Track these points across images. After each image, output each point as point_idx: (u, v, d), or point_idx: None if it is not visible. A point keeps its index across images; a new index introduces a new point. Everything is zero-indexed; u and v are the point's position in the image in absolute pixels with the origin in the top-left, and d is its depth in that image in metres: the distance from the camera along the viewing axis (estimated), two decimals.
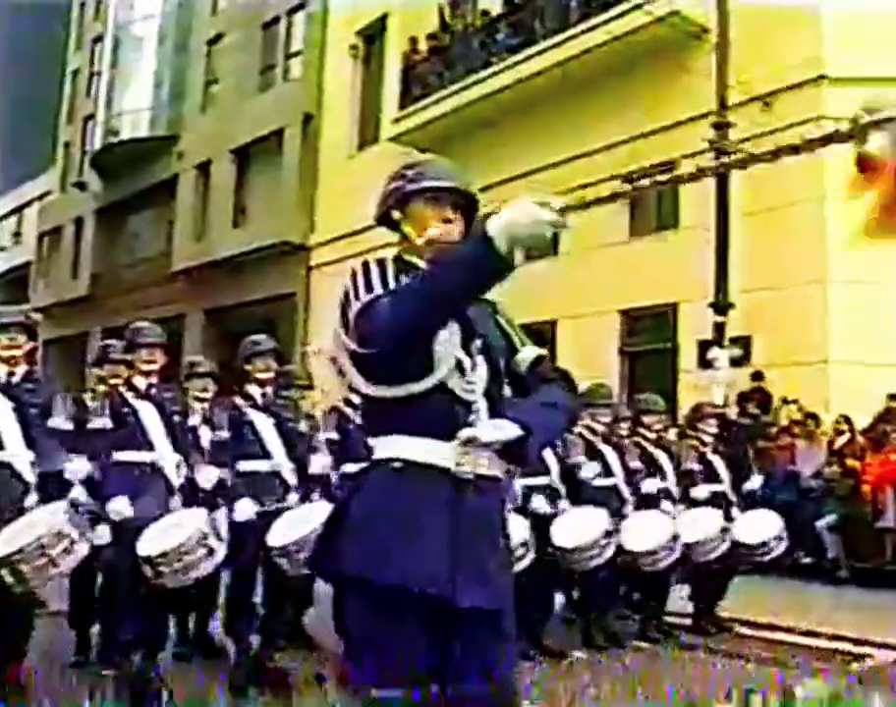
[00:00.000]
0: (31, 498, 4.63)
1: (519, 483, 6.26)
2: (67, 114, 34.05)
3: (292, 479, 5.51)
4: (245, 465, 5.43)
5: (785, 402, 11.86)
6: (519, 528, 5.66)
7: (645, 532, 6.50)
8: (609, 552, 6.22)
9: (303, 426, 5.89)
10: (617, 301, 14.60)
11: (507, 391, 2.48)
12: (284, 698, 5.06)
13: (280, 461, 5.50)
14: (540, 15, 15.45)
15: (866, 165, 1.93)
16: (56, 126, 34.70)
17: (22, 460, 4.68)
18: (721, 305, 11.97)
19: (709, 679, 5.73)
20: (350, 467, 5.62)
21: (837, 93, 12.33)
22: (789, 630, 7.05)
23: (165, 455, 5.11)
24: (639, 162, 14.42)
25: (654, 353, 14.59)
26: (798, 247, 12.20)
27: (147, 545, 4.74)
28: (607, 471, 6.86)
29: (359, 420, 5.90)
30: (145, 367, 5.17)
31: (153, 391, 5.20)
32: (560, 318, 14.94)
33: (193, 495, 5.18)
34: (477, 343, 2.38)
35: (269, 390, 5.61)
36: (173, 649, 5.82)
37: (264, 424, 5.51)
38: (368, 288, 2.31)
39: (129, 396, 5.15)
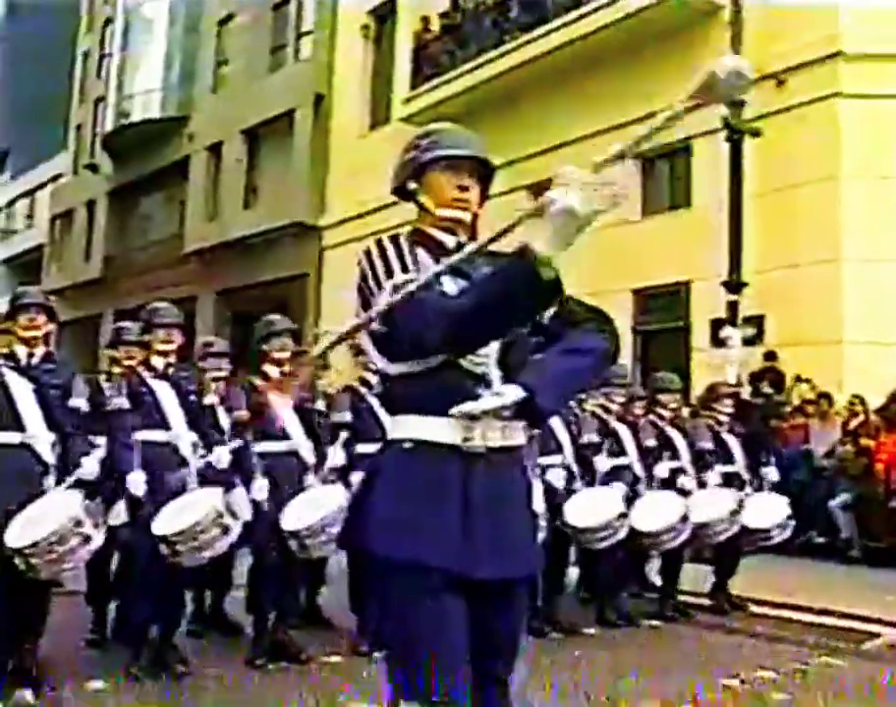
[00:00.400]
0: (51, 479, 4.66)
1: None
2: (78, 96, 34.05)
3: (309, 459, 5.54)
4: (263, 445, 5.47)
5: (798, 380, 11.82)
6: (535, 500, 5.69)
7: (655, 513, 6.50)
8: (622, 533, 6.24)
9: (319, 405, 5.91)
10: (629, 281, 14.55)
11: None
12: (298, 675, 5.11)
13: (298, 440, 5.53)
14: None
15: None
16: (67, 108, 34.72)
17: (42, 441, 4.71)
18: (734, 284, 11.91)
19: (723, 657, 5.76)
20: (363, 448, 5.64)
21: (853, 70, 12.23)
22: (802, 609, 7.05)
23: (182, 434, 5.14)
24: (653, 140, 14.38)
25: (667, 332, 14.54)
26: (811, 226, 12.12)
27: (164, 524, 4.78)
28: (621, 451, 6.88)
29: (373, 400, 5.92)
30: (163, 347, 5.19)
31: (170, 371, 5.22)
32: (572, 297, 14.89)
33: (209, 474, 5.20)
34: None
35: (287, 369, 5.62)
36: (188, 626, 5.86)
37: (282, 404, 5.52)
38: (388, 272, 2.29)
39: (146, 376, 5.17)
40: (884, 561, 9.32)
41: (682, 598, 7.17)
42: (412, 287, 2.19)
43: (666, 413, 7.25)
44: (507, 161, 14.37)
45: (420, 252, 2.37)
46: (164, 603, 5.10)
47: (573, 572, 7.08)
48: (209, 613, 6.30)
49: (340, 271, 18.72)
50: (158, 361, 5.20)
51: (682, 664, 5.54)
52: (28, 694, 4.50)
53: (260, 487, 5.28)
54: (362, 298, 2.34)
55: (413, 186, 2.46)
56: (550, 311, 2.39)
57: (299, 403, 5.57)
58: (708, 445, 7.26)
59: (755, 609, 7.20)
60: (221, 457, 5.28)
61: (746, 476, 7.39)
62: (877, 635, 6.35)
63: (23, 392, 4.73)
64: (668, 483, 6.94)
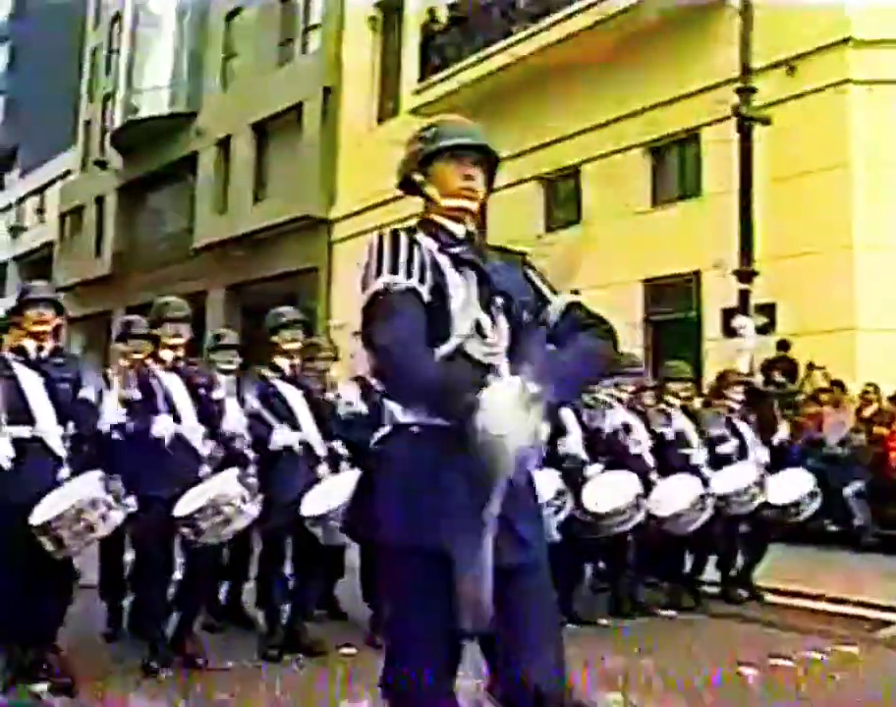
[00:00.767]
0: (64, 471, 4.67)
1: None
2: (87, 93, 34.12)
3: (321, 450, 5.54)
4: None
5: (811, 368, 11.78)
6: (552, 480, 5.70)
7: (673, 496, 6.47)
8: (639, 517, 6.21)
9: (330, 397, 5.91)
10: (640, 271, 14.53)
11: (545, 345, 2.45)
12: (315, 667, 5.11)
13: (309, 431, 5.53)
14: None
15: None
16: (76, 105, 34.80)
17: (53, 434, 4.72)
18: (746, 273, 11.87)
19: (738, 646, 5.74)
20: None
21: (863, 56, 12.16)
22: (816, 598, 7.04)
23: (192, 426, 5.14)
24: (662, 130, 14.33)
25: (678, 321, 14.52)
26: (823, 213, 12.07)
27: (185, 506, 4.80)
28: (633, 440, 6.86)
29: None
30: (172, 341, 5.19)
31: (180, 364, 5.23)
32: (584, 288, 14.81)
33: (220, 465, 5.22)
34: (498, 301, 2.37)
35: (297, 361, 5.63)
36: (204, 619, 5.88)
37: (293, 396, 5.53)
38: (379, 269, 2.32)
39: (155, 368, 5.18)
40: None
41: (696, 587, 7.14)
42: (395, 288, 2.26)
43: (676, 402, 7.22)
44: (515, 152, 14.35)
45: (425, 243, 2.37)
46: (184, 592, 5.12)
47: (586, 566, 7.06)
48: (226, 605, 6.30)
49: (350, 264, 18.72)
50: (167, 355, 5.21)
51: (696, 653, 5.52)
52: (44, 688, 4.53)
53: (283, 435, 5.35)
54: (363, 289, 2.36)
55: (418, 177, 2.47)
56: (557, 313, 2.44)
57: (310, 394, 5.58)
58: (721, 431, 7.24)
59: (769, 597, 7.17)
60: (237, 419, 5.32)
61: (760, 461, 7.34)
62: (892, 623, 6.32)
63: (33, 386, 4.74)
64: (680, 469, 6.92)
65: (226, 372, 6.07)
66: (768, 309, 12.21)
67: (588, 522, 6.17)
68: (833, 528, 10.21)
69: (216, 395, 5.37)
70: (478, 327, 2.32)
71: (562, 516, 5.72)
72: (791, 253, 12.15)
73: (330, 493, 5.16)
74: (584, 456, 6.50)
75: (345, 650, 5.39)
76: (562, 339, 2.43)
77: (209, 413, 5.22)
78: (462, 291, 2.33)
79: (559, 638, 2.41)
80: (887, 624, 6.32)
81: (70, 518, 4.38)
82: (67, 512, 4.38)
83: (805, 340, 11.86)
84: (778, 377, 11.78)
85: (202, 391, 5.24)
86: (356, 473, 5.30)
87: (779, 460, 7.42)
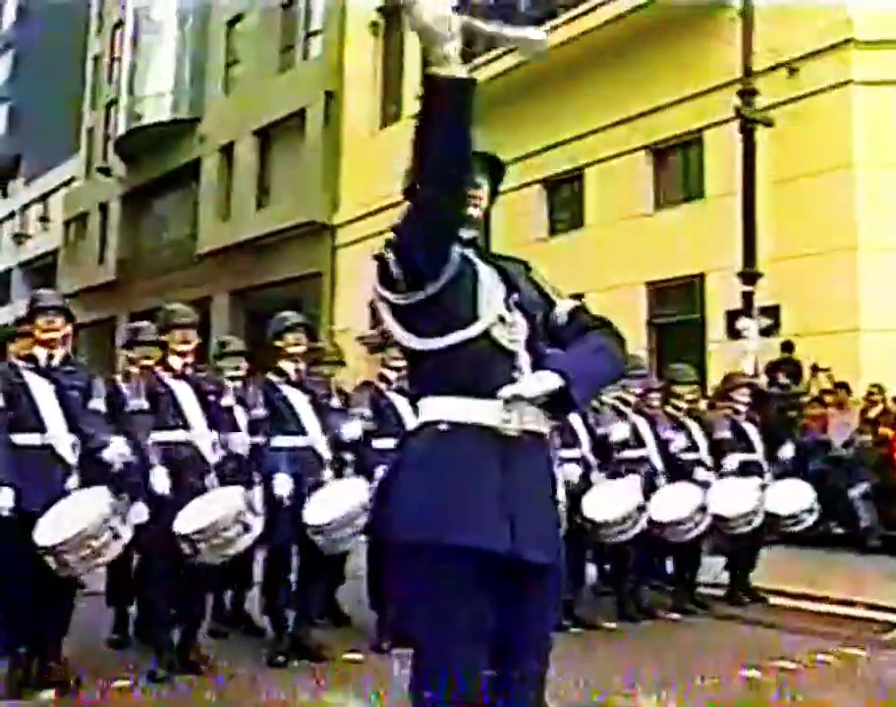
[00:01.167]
0: (73, 480, 4.69)
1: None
2: (90, 100, 34.20)
3: (326, 454, 5.54)
4: (280, 441, 5.48)
5: (815, 369, 11.77)
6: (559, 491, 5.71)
7: (673, 503, 6.49)
8: (640, 526, 6.22)
9: (335, 402, 5.91)
10: (644, 273, 14.51)
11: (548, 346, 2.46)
12: (320, 673, 5.12)
13: (315, 436, 5.54)
14: None
15: None
16: (79, 112, 34.88)
17: (63, 442, 4.74)
18: (749, 275, 11.86)
19: (742, 648, 5.74)
20: (383, 443, 5.62)
21: (865, 57, 12.15)
22: (821, 600, 7.03)
23: (201, 434, 5.15)
24: (664, 132, 14.33)
25: (682, 324, 14.51)
26: (826, 215, 12.06)
27: (185, 523, 4.79)
28: (639, 442, 6.87)
29: (392, 396, 5.90)
30: (181, 348, 5.20)
31: (188, 371, 5.24)
32: (587, 292, 14.87)
33: (229, 473, 5.22)
34: (515, 297, 2.39)
35: (302, 365, 5.64)
36: (210, 626, 5.89)
37: (299, 400, 5.54)
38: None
39: (164, 376, 5.19)
40: None
41: (700, 590, 7.14)
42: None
43: (682, 404, 7.23)
44: (519, 155, 14.35)
45: None
46: (186, 603, 5.12)
47: (591, 567, 7.06)
48: (230, 612, 6.31)
49: (353, 269, 18.75)
50: (176, 362, 5.22)
51: (701, 656, 5.52)
52: (51, 694, 4.54)
53: (282, 483, 5.29)
54: (381, 271, 2.35)
55: None
56: (564, 317, 2.46)
57: (315, 398, 5.59)
58: (727, 434, 7.25)
59: (774, 600, 7.17)
60: (242, 440, 5.31)
61: (764, 465, 7.36)
62: None
63: (43, 393, 4.76)
64: (686, 471, 6.92)
65: (233, 379, 6.09)
66: (772, 311, 12.19)
67: (585, 529, 6.19)
68: (838, 530, 10.19)
69: (225, 402, 5.38)
70: (500, 316, 2.34)
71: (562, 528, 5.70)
72: (794, 255, 12.14)
73: (332, 501, 5.16)
74: (591, 459, 6.52)
75: (350, 655, 5.40)
76: (570, 342, 2.44)
77: (218, 421, 5.23)
78: (489, 279, 2.36)
79: (548, 655, 2.39)
80: (893, 625, 6.31)
81: (76, 544, 4.35)
82: (73, 538, 4.34)
83: (809, 341, 11.84)
84: (782, 379, 11.76)
85: (211, 398, 5.25)
86: (361, 481, 5.35)
87: (783, 470, 7.44)
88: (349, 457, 5.79)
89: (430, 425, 2.30)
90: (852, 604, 6.85)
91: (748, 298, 11.86)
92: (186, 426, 5.12)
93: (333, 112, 21.93)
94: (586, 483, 6.35)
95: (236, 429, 5.45)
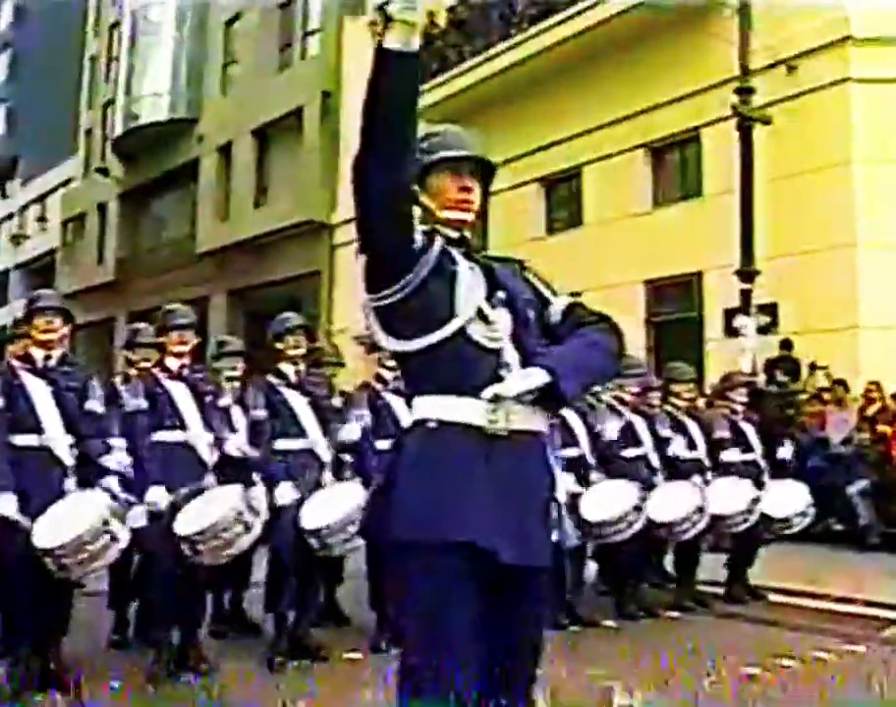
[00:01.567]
0: (70, 481, 4.69)
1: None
2: (87, 101, 34.17)
3: (326, 456, 5.55)
4: (280, 444, 5.49)
5: (812, 368, 11.78)
6: (566, 484, 5.72)
7: (671, 503, 6.49)
8: (637, 526, 6.21)
9: (336, 402, 5.91)
10: (642, 272, 14.52)
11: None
12: (321, 672, 5.12)
13: (315, 438, 5.55)
14: None
15: None
16: (76, 113, 34.85)
17: (60, 443, 4.74)
18: (747, 273, 11.86)
19: (742, 646, 5.74)
20: (382, 444, 5.62)
21: (863, 54, 12.16)
22: (821, 597, 7.03)
23: (198, 434, 5.15)
24: (662, 130, 14.33)
25: (680, 322, 14.52)
26: (824, 212, 12.07)
27: (184, 525, 4.79)
28: (636, 441, 6.87)
29: (389, 397, 5.91)
30: (177, 349, 5.20)
31: (185, 372, 5.24)
32: (585, 290, 14.85)
33: (227, 473, 5.22)
34: (500, 295, 2.37)
35: (302, 367, 5.64)
36: (209, 627, 5.88)
37: (298, 402, 5.55)
38: None
39: (161, 377, 5.19)
40: None
41: (700, 588, 7.15)
42: None
43: (680, 403, 7.24)
44: (517, 154, 14.37)
45: (437, 238, 2.40)
46: (185, 604, 5.12)
47: (591, 565, 7.06)
48: (229, 612, 6.32)
49: (352, 268, 18.60)
50: (173, 363, 5.22)
51: (701, 654, 5.52)
52: (52, 696, 4.53)
53: (283, 493, 5.30)
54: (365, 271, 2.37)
55: (414, 187, 2.46)
56: (559, 314, 2.45)
57: (315, 400, 5.59)
58: (725, 433, 7.25)
59: (773, 597, 7.18)
60: (237, 442, 5.31)
61: (762, 464, 7.37)
62: None
63: (41, 394, 4.75)
64: (684, 470, 6.93)
65: (231, 379, 6.09)
66: (770, 309, 12.20)
67: (583, 529, 6.19)
68: (838, 527, 10.20)
69: (222, 403, 5.38)
70: (480, 313, 2.33)
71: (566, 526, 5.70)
72: (792, 252, 12.15)
73: (329, 504, 5.16)
74: (591, 460, 6.52)
75: (350, 655, 5.41)
76: (565, 338, 2.43)
77: (212, 421, 5.23)
78: (469, 277, 2.35)
79: (537, 656, 2.39)
80: (893, 622, 6.31)
81: (73, 548, 4.34)
82: (70, 543, 4.33)
83: (807, 339, 11.85)
84: (781, 376, 11.77)
85: (209, 398, 5.25)
86: (357, 485, 5.35)
87: (781, 471, 7.45)
88: (348, 458, 5.79)
89: (421, 424, 2.31)
90: (852, 601, 6.85)
91: (746, 295, 11.87)
92: (183, 427, 5.12)
93: (331, 111, 21.92)
94: (584, 483, 6.36)
95: (232, 430, 5.46)
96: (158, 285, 25.28)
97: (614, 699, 4.53)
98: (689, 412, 7.33)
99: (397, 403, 5.75)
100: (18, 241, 39.78)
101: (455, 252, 2.39)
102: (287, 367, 5.58)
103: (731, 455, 7.16)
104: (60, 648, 4.79)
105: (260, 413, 5.48)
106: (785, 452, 7.56)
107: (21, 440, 4.68)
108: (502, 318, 2.35)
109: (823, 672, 5.16)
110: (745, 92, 11.94)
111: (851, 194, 12.05)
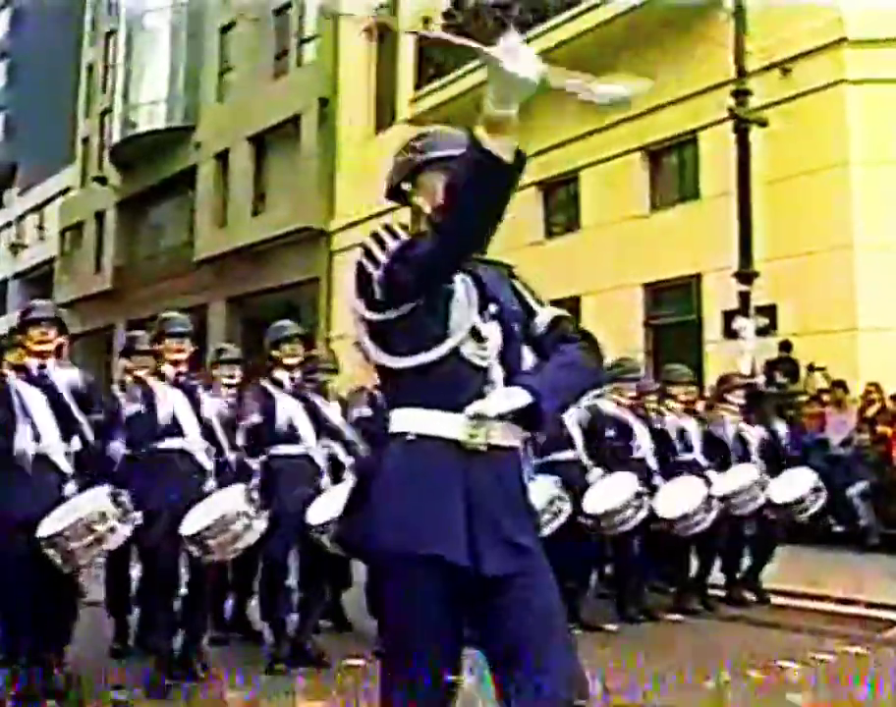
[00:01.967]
0: (70, 487, 4.69)
1: (546, 458, 6.30)
2: (84, 109, 34.21)
3: (322, 462, 5.55)
4: (276, 450, 5.48)
5: (811, 369, 11.78)
6: (548, 487, 5.72)
7: (679, 498, 6.48)
8: (641, 514, 6.21)
9: (334, 408, 5.92)
10: (640, 274, 14.52)
11: (529, 356, 2.46)
12: (322, 679, 5.11)
13: (311, 444, 5.55)
14: None
15: None
16: (74, 121, 34.87)
17: (58, 451, 4.74)
18: (745, 275, 11.86)
19: (745, 648, 5.74)
20: None
21: (858, 56, 12.17)
22: (822, 599, 7.03)
23: (196, 441, 5.15)
24: (659, 133, 14.34)
25: (679, 325, 14.52)
26: (823, 213, 12.08)
27: (192, 524, 4.81)
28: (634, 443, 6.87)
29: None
30: (174, 357, 5.20)
31: (182, 379, 5.23)
32: (583, 294, 14.89)
33: (225, 478, 5.22)
34: (491, 309, 2.36)
35: (298, 374, 5.65)
36: (211, 633, 5.87)
37: (294, 408, 5.55)
38: (383, 249, 2.31)
39: (158, 385, 5.19)
40: None
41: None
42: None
43: (678, 405, 7.23)
44: None
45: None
46: (188, 611, 5.12)
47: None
48: (232, 619, 6.31)
49: (350, 274, 18.73)
50: (169, 370, 5.22)
51: (704, 656, 5.52)
52: (52, 705, 4.52)
53: (281, 501, 5.31)
54: (359, 285, 2.35)
55: (407, 187, 2.46)
56: (544, 326, 2.45)
57: (311, 406, 5.60)
58: (724, 435, 7.25)
59: (775, 599, 7.17)
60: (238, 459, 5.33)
61: (760, 465, 7.35)
62: None
63: (37, 403, 4.75)
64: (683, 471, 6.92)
65: (228, 386, 6.10)
66: (769, 311, 12.20)
67: (589, 525, 6.19)
68: (838, 529, 10.19)
69: (220, 408, 5.38)
70: (474, 330, 2.32)
71: (556, 523, 5.70)
72: (790, 254, 12.15)
73: (335, 502, 5.16)
74: (586, 461, 6.52)
75: (351, 661, 5.39)
76: (547, 351, 2.44)
77: (211, 429, 5.23)
78: (462, 293, 2.33)
79: (568, 641, 2.36)
80: (893, 623, 6.31)
81: (78, 531, 4.39)
82: (75, 524, 4.39)
83: (806, 340, 11.86)
84: (780, 378, 11.77)
85: (206, 404, 5.24)
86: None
87: (780, 462, 7.46)
88: (348, 460, 5.79)
89: (398, 436, 2.30)
90: (852, 602, 6.85)
91: (744, 297, 11.86)
92: (180, 434, 5.12)
93: (328, 117, 21.95)
94: (584, 483, 6.35)
95: (230, 437, 5.46)
96: (156, 293, 25.27)
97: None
98: (688, 414, 7.33)
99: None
100: (16, 250, 39.82)
101: None
102: (282, 375, 5.61)
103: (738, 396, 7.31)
104: (63, 658, 4.78)
105: (255, 419, 5.48)
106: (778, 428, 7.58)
107: (19, 447, 4.67)
108: (493, 334, 2.35)
109: (825, 673, 5.15)
110: (741, 95, 11.95)
111: (848, 196, 12.06)
